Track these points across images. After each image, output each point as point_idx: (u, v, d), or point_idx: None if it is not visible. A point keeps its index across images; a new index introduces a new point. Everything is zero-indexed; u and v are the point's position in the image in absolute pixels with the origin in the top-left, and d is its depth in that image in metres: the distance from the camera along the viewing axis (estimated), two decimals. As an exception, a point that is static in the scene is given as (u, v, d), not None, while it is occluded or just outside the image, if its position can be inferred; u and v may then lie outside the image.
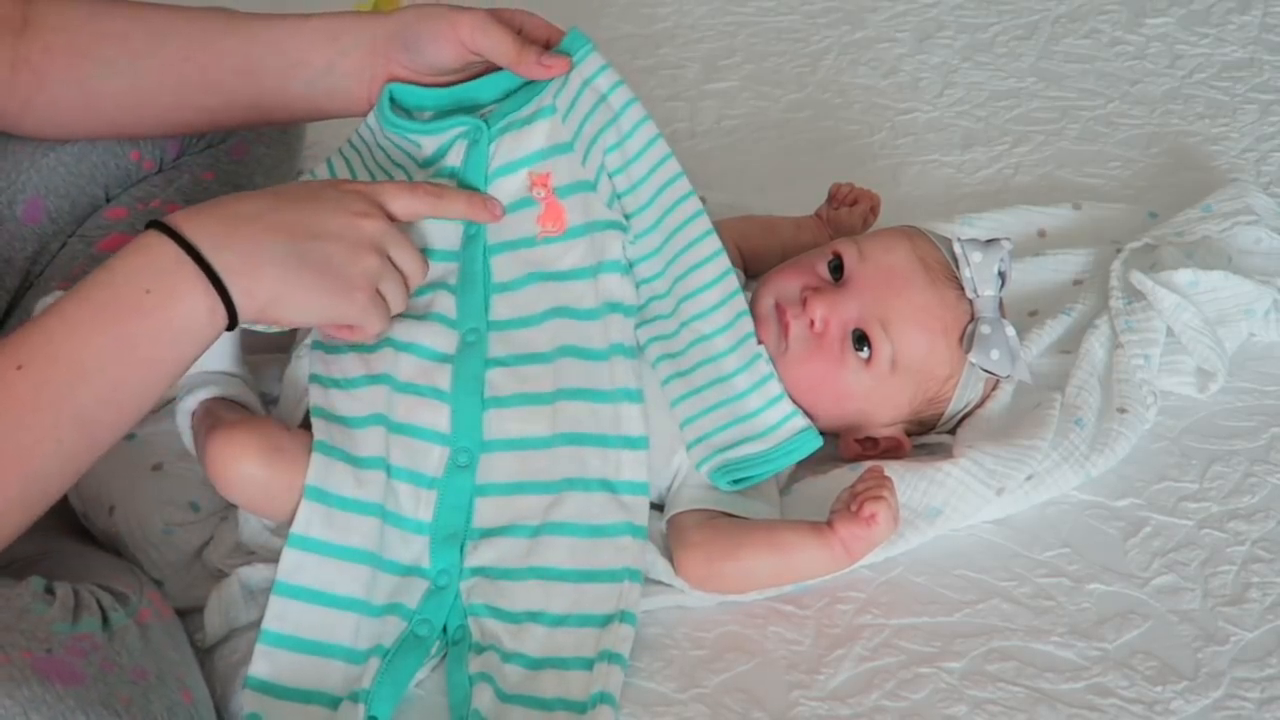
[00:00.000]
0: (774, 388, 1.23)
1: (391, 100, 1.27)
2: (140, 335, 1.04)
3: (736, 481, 1.20)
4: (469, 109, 1.28)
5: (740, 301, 1.25)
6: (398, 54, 1.26)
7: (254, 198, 1.12)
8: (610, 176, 1.26)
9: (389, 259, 1.14)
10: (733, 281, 1.26)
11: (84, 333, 1.03)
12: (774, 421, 1.23)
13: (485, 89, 1.28)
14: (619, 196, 1.26)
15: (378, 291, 1.14)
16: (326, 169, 1.30)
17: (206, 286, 1.06)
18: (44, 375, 1.02)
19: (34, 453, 1.01)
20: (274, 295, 1.08)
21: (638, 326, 1.25)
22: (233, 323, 1.08)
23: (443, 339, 1.20)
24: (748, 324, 1.25)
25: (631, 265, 1.26)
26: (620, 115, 1.25)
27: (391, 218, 1.16)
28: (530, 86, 1.27)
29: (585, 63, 1.26)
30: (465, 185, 1.25)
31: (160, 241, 1.06)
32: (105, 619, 1.00)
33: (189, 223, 1.07)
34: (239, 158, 1.47)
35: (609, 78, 1.25)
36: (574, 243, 1.25)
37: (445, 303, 1.21)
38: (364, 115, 1.29)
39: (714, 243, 1.26)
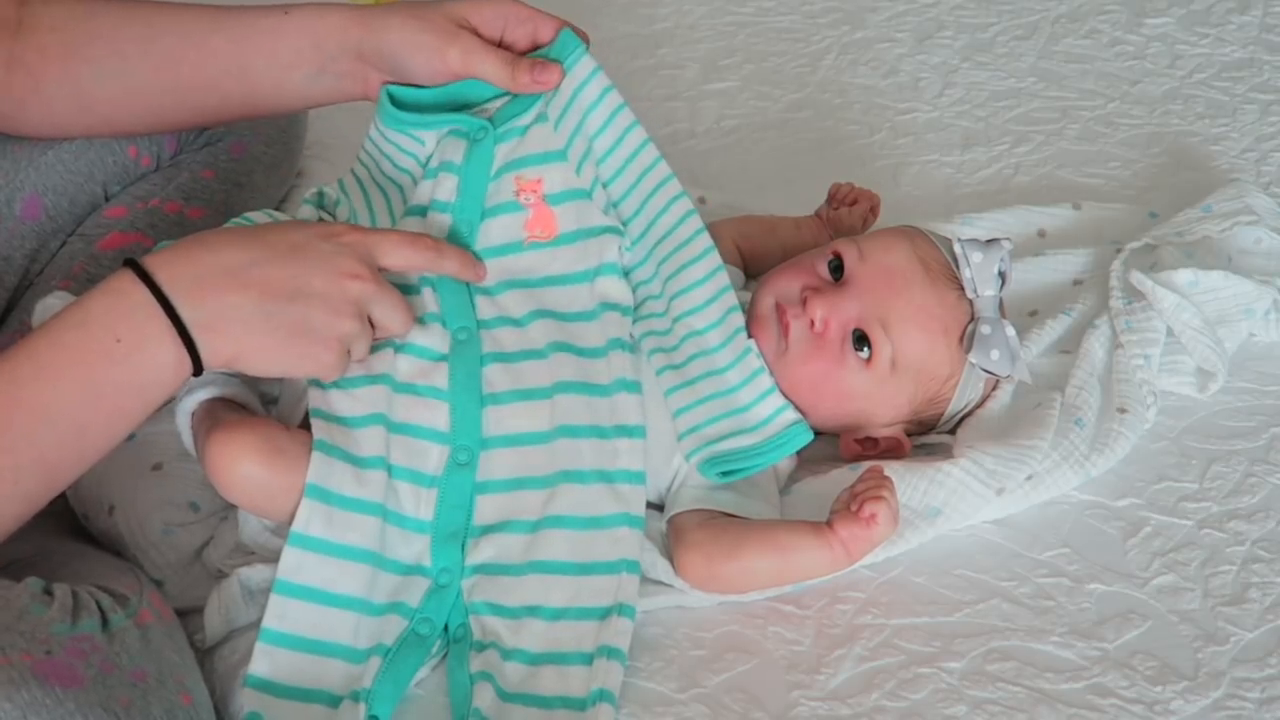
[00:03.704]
0: (765, 381, 1.24)
1: (391, 99, 1.27)
2: (107, 383, 1.05)
3: (726, 474, 1.21)
4: (467, 105, 1.28)
5: (731, 297, 1.26)
6: (386, 71, 1.26)
7: (240, 245, 1.09)
8: (605, 186, 1.27)
9: (368, 316, 1.13)
10: (723, 278, 1.26)
11: (51, 376, 1.03)
12: (765, 415, 1.23)
13: (482, 86, 1.28)
14: (615, 205, 1.27)
15: (346, 349, 1.13)
16: (338, 189, 1.29)
17: (175, 338, 1.05)
18: (7, 417, 1.02)
19: None
20: (239, 352, 1.08)
21: (633, 324, 1.26)
22: (198, 373, 1.08)
23: (437, 338, 1.20)
24: (738, 319, 1.25)
25: (628, 271, 1.26)
26: (611, 121, 1.26)
27: (385, 267, 1.15)
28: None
29: (577, 68, 1.26)
30: (467, 186, 1.25)
31: (135, 287, 1.05)
32: (105, 620, 1.00)
33: (165, 269, 1.06)
34: (238, 155, 1.47)
35: (599, 83, 1.27)
36: (562, 249, 1.25)
37: (430, 303, 1.22)
38: (361, 100, 1.29)
39: (705, 240, 1.27)
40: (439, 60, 1.24)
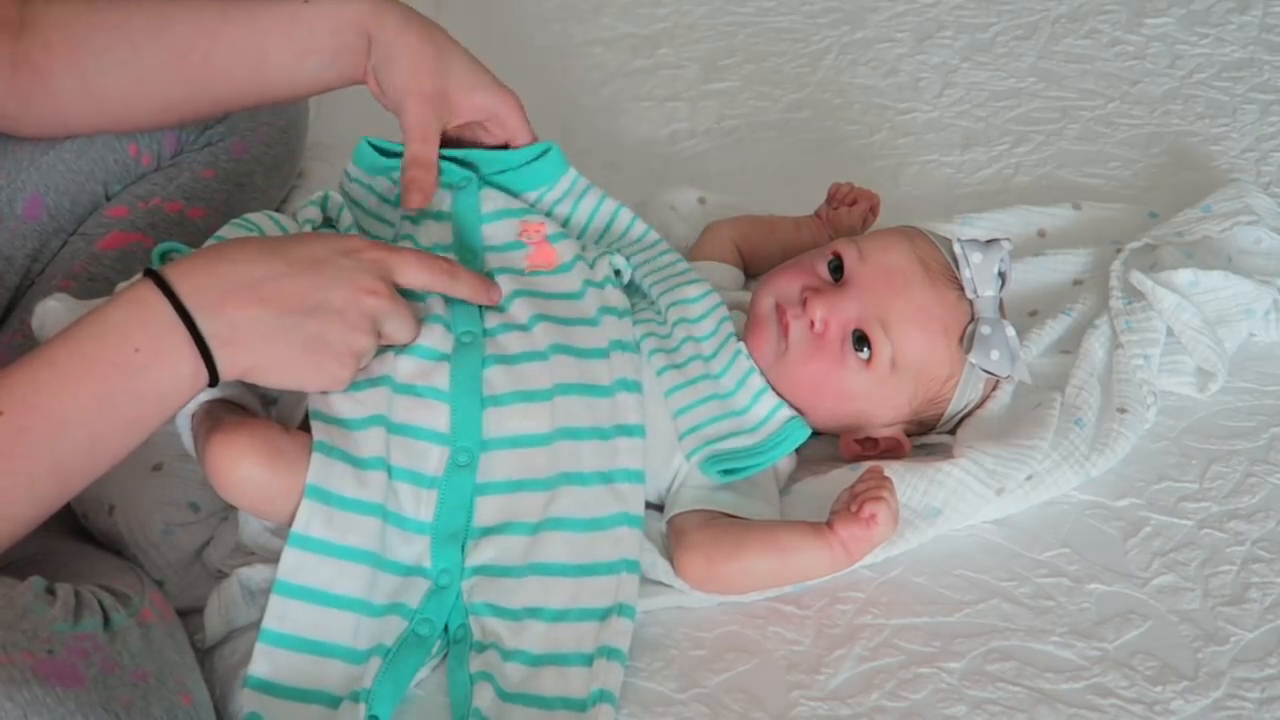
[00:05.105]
0: (756, 382, 1.25)
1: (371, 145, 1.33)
2: (124, 394, 1.05)
3: (727, 472, 1.21)
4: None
5: (723, 310, 1.29)
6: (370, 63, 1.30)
7: (260, 258, 1.10)
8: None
9: (380, 331, 1.14)
10: (715, 298, 1.30)
11: (69, 384, 1.03)
12: (763, 416, 1.24)
13: (486, 161, 1.33)
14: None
15: (358, 361, 1.14)
16: (342, 196, 1.32)
17: (194, 351, 1.06)
18: (25, 423, 1.02)
19: (5, 497, 1.02)
20: (256, 364, 1.09)
21: (633, 324, 1.28)
22: (214, 384, 1.08)
23: (440, 339, 1.20)
24: (729, 328, 1.28)
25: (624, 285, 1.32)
26: (594, 216, 1.35)
27: (400, 285, 1.16)
28: (520, 177, 1.34)
29: (562, 180, 1.34)
30: (458, 228, 1.30)
31: (155, 298, 1.06)
32: (107, 619, 1.00)
33: (186, 281, 1.06)
34: (239, 156, 1.47)
35: (574, 194, 1.35)
36: (562, 276, 1.28)
37: (438, 306, 1.22)
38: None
39: (692, 274, 1.32)
40: (397, 91, 1.28)
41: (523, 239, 1.29)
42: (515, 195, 1.33)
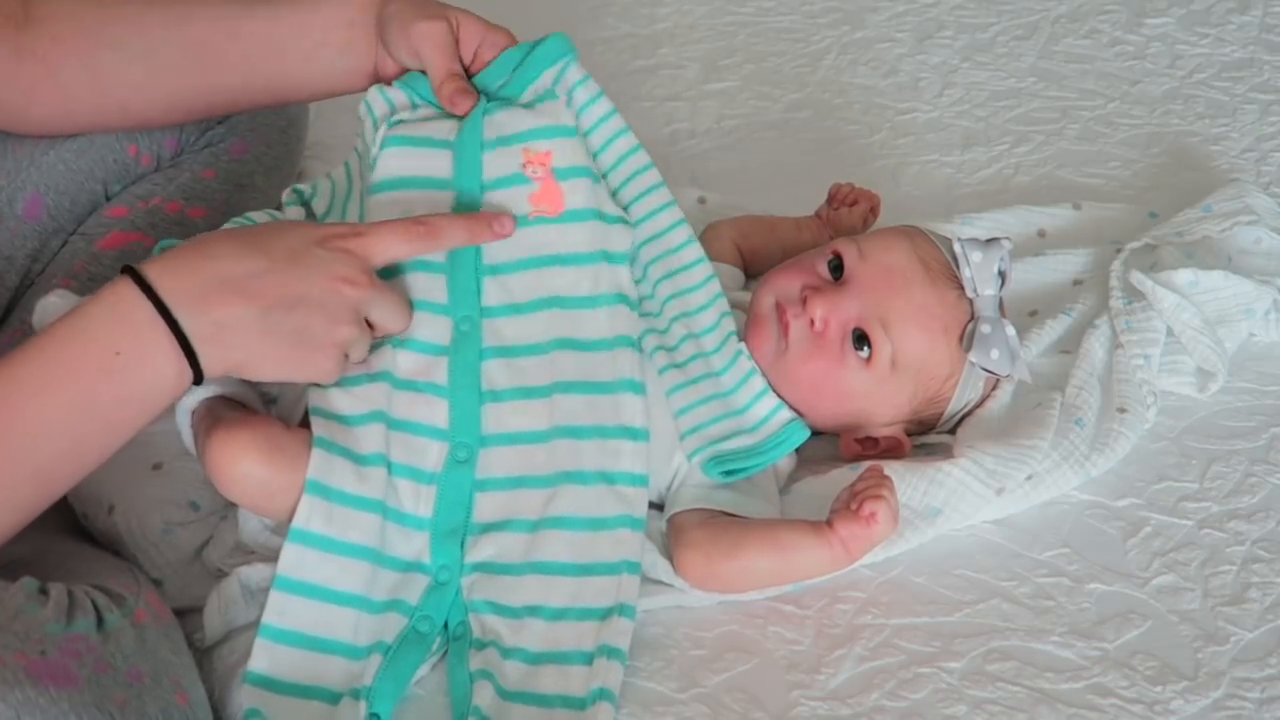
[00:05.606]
0: (758, 383, 1.24)
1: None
2: (106, 396, 1.04)
3: (728, 473, 1.21)
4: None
5: (724, 303, 1.27)
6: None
7: (240, 254, 1.08)
8: (604, 177, 1.27)
9: (367, 319, 1.13)
10: (715, 285, 1.27)
11: (50, 389, 1.02)
12: (763, 416, 1.24)
13: (485, 78, 1.27)
14: (613, 195, 1.27)
15: (344, 353, 1.13)
16: (328, 181, 1.30)
17: (176, 350, 1.05)
18: (4, 428, 1.01)
19: None
20: (241, 361, 1.08)
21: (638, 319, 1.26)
22: (198, 382, 1.07)
23: (437, 329, 1.19)
24: (730, 324, 1.26)
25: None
26: (605, 122, 1.27)
27: (382, 264, 1.14)
28: (522, 73, 1.26)
29: (569, 72, 1.26)
30: (462, 160, 1.23)
31: (135, 297, 1.04)
32: (100, 619, 1.00)
33: (166, 279, 1.05)
34: (239, 156, 1.47)
35: (589, 89, 1.27)
36: (571, 226, 1.23)
37: (436, 288, 1.20)
38: (374, 75, 1.30)
39: (696, 250, 1.27)
40: (404, 36, 1.25)
41: (526, 171, 1.22)
42: (516, 100, 1.25)
